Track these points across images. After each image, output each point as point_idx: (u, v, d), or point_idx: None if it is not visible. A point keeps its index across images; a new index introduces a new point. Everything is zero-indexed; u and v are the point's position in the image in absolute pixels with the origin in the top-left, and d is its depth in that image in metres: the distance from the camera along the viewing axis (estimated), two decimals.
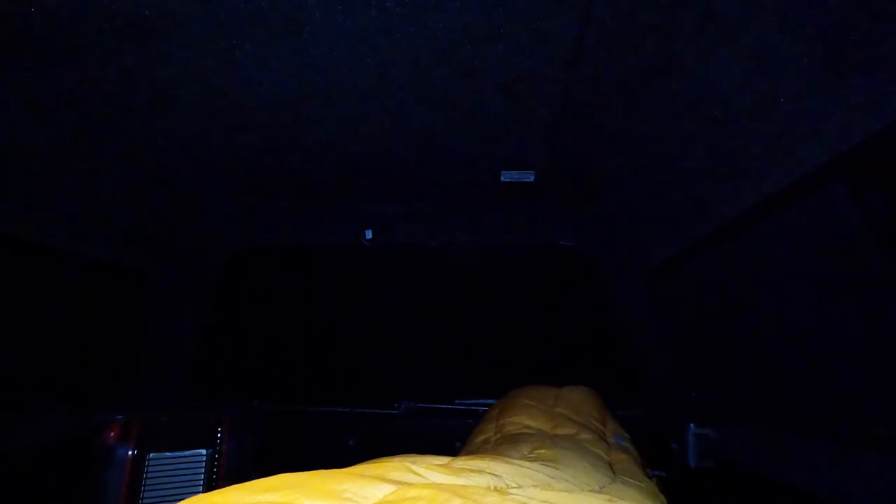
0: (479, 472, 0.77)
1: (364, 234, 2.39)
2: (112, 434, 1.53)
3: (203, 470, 1.68)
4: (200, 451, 1.69)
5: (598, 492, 0.92)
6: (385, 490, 0.64)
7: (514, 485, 0.76)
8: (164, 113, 1.53)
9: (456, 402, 2.57)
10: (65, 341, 1.90)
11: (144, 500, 1.54)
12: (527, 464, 0.91)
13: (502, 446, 1.58)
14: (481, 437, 1.86)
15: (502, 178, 1.96)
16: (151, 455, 1.59)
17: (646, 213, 1.78)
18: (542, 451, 1.31)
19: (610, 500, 0.79)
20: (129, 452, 1.54)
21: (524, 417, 1.84)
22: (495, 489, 0.70)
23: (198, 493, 1.72)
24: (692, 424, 1.88)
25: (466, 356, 2.76)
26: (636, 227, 1.88)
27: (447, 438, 2.42)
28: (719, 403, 1.89)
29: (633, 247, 1.95)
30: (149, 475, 1.57)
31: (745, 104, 1.07)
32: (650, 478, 1.50)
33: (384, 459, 0.83)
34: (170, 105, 1.49)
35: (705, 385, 1.93)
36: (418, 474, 0.72)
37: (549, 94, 1.42)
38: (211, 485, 1.69)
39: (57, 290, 1.86)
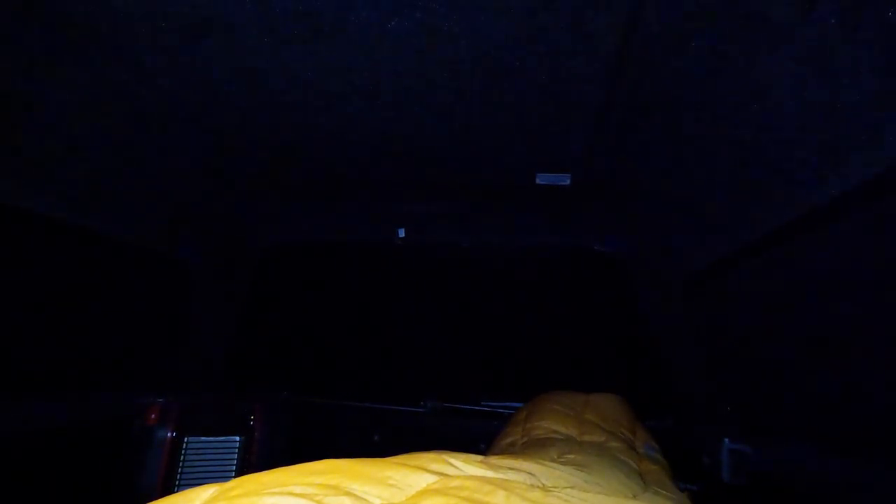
0: (516, 470, 0.77)
1: (397, 233, 2.42)
2: (153, 416, 1.60)
3: (236, 456, 1.73)
4: (234, 437, 1.74)
5: (631, 499, 0.91)
6: (428, 479, 0.65)
7: (550, 485, 0.76)
8: (211, 109, 1.59)
9: (482, 403, 2.57)
10: (109, 326, 1.99)
11: (181, 482, 1.60)
12: (559, 466, 0.90)
13: (529, 449, 1.57)
14: (507, 440, 1.85)
15: (537, 181, 1.95)
16: (189, 438, 1.65)
17: (685, 220, 1.74)
18: (572, 455, 1.30)
19: None
20: (169, 435, 1.60)
21: (552, 422, 1.82)
22: (536, 486, 0.70)
23: (230, 478, 1.78)
24: (727, 439, 1.82)
25: (494, 358, 2.76)
26: (674, 233, 1.84)
27: (472, 439, 2.41)
28: (756, 419, 1.83)
29: (671, 254, 1.91)
30: (186, 458, 1.63)
31: (797, 110, 1.03)
32: (682, 490, 1.46)
33: (418, 453, 0.84)
34: (218, 101, 1.54)
35: (742, 399, 1.87)
36: (456, 467, 0.72)
37: (589, 97, 1.41)
38: (243, 471, 1.74)
39: (104, 276, 1.95)
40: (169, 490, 1.60)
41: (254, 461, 1.78)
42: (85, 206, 1.74)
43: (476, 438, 2.38)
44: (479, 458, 0.85)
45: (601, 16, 1.09)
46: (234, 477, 1.74)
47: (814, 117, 1.01)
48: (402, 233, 2.41)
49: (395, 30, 1.20)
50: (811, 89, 0.98)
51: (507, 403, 2.48)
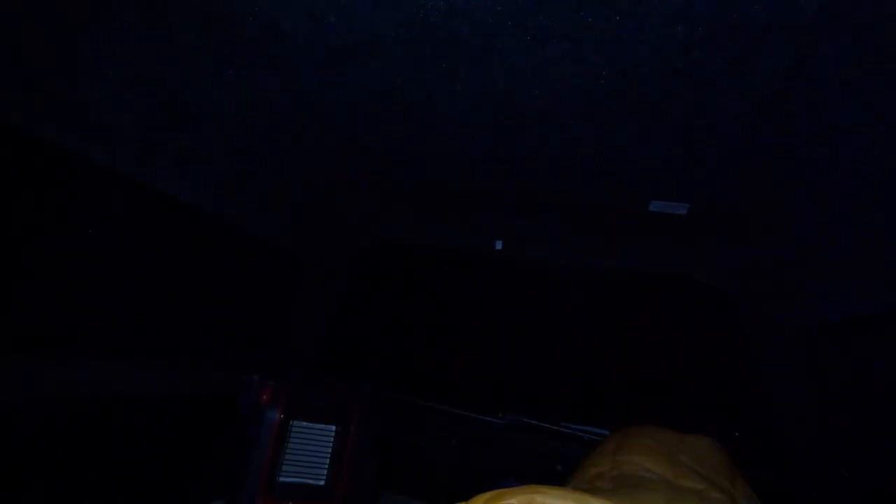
0: None
1: (494, 244, 2.44)
2: (265, 397, 1.74)
3: (331, 445, 1.84)
4: (331, 426, 1.85)
5: None
6: None
7: None
8: (345, 120, 1.69)
9: (561, 424, 2.53)
10: (229, 309, 2.19)
11: (285, 462, 1.73)
12: None
13: (622, 487, 1.53)
14: (595, 470, 1.81)
15: (651, 209, 1.88)
16: (294, 422, 1.78)
17: (816, 269, 1.61)
18: None
19: None
20: (278, 416, 1.73)
21: (644, 459, 1.76)
22: None
23: (324, 465, 1.89)
24: None
25: (580, 380, 2.70)
26: (802, 280, 1.70)
27: (547, 459, 2.39)
28: (874, 489, 1.65)
29: (795, 300, 1.77)
30: (290, 440, 1.76)
31: None
32: None
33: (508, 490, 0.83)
34: (353, 114, 1.64)
35: (861, 466, 1.70)
36: None
37: (729, 130, 1.35)
38: (335, 460, 1.84)
39: (228, 264, 2.15)
40: (275, 467, 1.73)
41: (345, 452, 1.87)
42: (224, 200, 1.92)
43: (552, 458, 2.35)
44: (576, 495, 0.83)
45: (764, 59, 1.04)
46: (328, 466, 1.86)
47: None
48: (499, 244, 2.42)
49: (537, 58, 1.21)
50: None
51: (589, 428, 2.42)
